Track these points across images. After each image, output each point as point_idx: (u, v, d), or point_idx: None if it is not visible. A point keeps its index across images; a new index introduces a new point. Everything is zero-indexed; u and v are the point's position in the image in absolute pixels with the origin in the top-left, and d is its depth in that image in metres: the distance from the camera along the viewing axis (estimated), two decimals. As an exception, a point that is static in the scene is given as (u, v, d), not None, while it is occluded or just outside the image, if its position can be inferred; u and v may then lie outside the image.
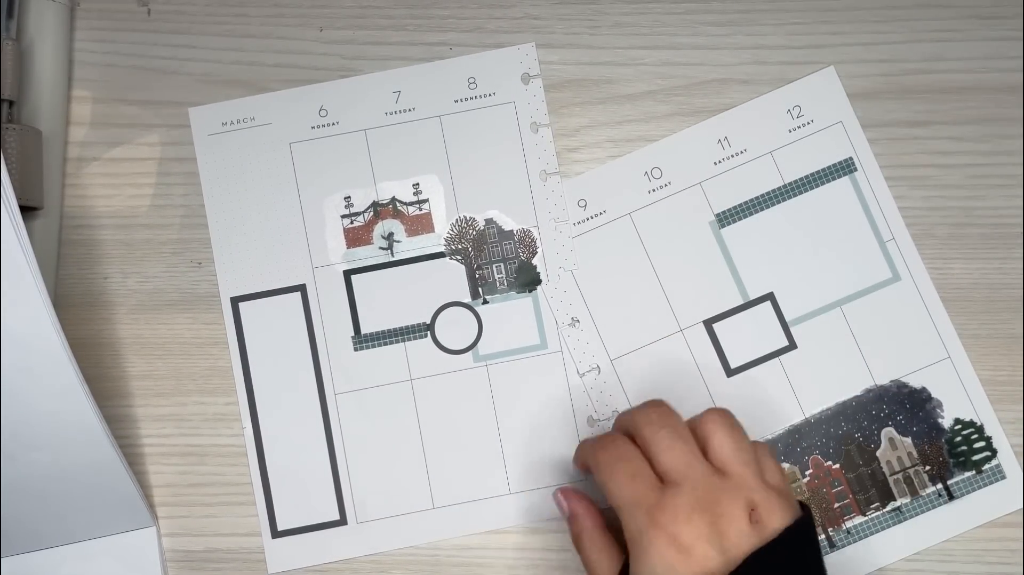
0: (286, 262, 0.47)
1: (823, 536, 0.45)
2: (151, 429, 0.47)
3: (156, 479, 0.47)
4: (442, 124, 0.48)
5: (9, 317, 0.37)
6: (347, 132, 0.48)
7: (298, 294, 0.47)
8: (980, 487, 0.45)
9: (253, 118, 0.48)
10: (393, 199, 0.47)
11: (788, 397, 0.46)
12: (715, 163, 0.47)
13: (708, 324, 0.46)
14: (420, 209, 0.47)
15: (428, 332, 0.47)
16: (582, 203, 0.47)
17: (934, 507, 0.45)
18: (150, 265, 0.47)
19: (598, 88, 0.48)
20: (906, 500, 0.45)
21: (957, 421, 0.46)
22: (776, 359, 0.46)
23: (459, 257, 0.47)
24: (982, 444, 0.46)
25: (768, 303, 0.46)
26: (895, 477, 0.46)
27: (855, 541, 0.45)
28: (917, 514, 0.45)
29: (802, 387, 0.46)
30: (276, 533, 0.46)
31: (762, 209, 0.47)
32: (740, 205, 0.47)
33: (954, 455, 0.46)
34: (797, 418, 0.46)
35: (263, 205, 0.47)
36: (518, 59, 0.48)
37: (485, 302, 0.47)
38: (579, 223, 0.47)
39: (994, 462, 0.46)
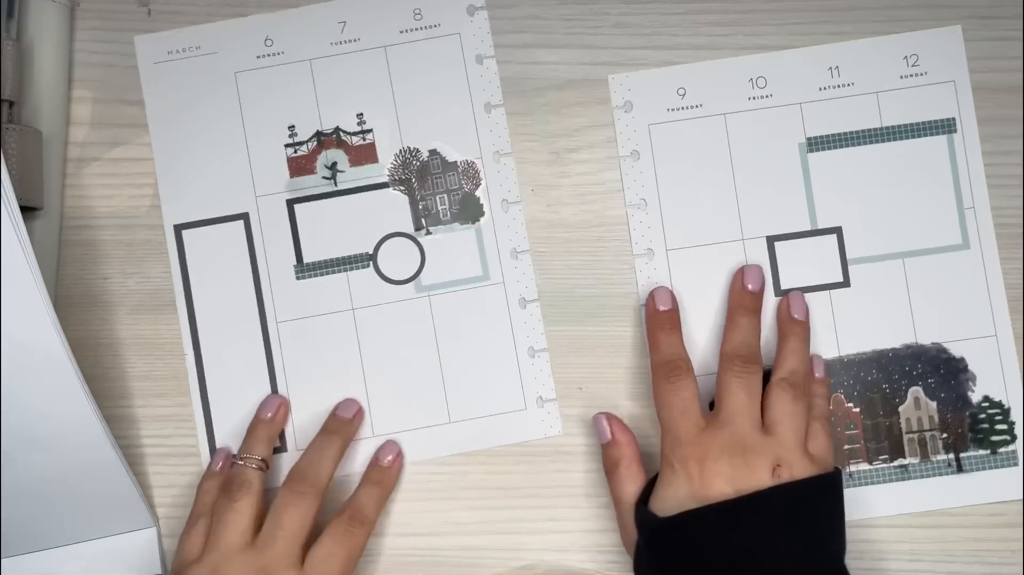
0: (229, 190, 0.47)
1: None
2: (151, 430, 0.47)
3: (156, 480, 0.47)
4: (387, 55, 0.47)
5: (9, 317, 0.37)
6: (292, 62, 0.47)
7: (241, 222, 0.47)
8: (991, 467, 0.46)
9: (199, 47, 0.48)
10: (337, 129, 0.47)
11: (828, 332, 0.46)
12: (820, 88, 0.47)
13: (771, 241, 0.47)
14: (364, 139, 0.47)
15: (371, 262, 0.47)
16: (681, 91, 0.47)
17: (941, 475, 0.46)
18: (150, 265, 0.47)
19: (598, 88, 0.48)
20: (915, 460, 0.46)
21: (986, 398, 0.46)
22: (826, 292, 0.46)
23: (402, 188, 0.47)
24: (1004, 427, 0.46)
25: (834, 236, 0.47)
26: (910, 436, 0.46)
27: (854, 486, 0.46)
28: (922, 477, 0.46)
29: (844, 326, 0.46)
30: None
31: (853, 145, 0.47)
32: (833, 135, 0.47)
33: (974, 430, 0.46)
34: (831, 354, 0.46)
35: (207, 133, 0.47)
36: None
37: (428, 233, 0.47)
38: (672, 110, 0.47)
39: (1011, 447, 0.46)
